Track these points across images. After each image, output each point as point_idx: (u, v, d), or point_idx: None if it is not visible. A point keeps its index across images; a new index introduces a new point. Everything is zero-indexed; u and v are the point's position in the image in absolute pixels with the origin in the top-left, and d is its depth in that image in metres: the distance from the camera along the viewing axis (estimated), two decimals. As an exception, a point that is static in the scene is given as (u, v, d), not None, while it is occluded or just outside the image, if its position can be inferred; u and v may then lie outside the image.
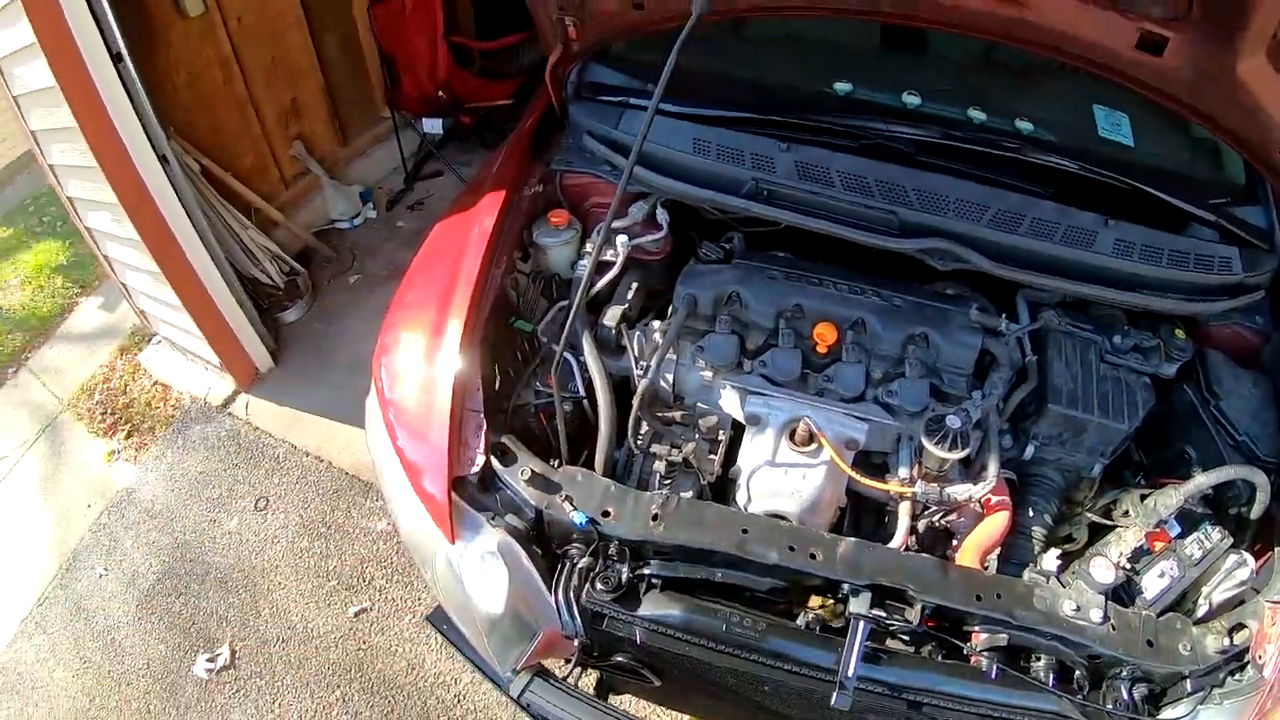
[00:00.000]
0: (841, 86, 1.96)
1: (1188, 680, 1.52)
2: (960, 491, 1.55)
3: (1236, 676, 1.51)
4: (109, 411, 3.69)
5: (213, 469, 3.26)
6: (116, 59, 2.65)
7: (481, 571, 1.53)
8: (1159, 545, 1.68)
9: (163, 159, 2.87)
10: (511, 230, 1.96)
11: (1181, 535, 1.67)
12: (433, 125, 4.36)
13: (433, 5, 4.20)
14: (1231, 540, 1.67)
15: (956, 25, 1.69)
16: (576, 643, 1.53)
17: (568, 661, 1.62)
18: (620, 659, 1.57)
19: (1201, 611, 1.64)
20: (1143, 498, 1.68)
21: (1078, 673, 1.52)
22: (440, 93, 4.32)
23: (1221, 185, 2.05)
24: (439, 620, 1.80)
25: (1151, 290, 1.77)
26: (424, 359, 1.67)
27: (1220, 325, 1.93)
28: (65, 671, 2.86)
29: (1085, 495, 1.79)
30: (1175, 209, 1.84)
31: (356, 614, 2.74)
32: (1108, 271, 1.74)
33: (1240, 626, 1.54)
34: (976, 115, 1.91)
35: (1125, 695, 1.49)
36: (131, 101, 2.73)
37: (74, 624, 2.97)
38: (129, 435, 3.52)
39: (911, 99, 1.92)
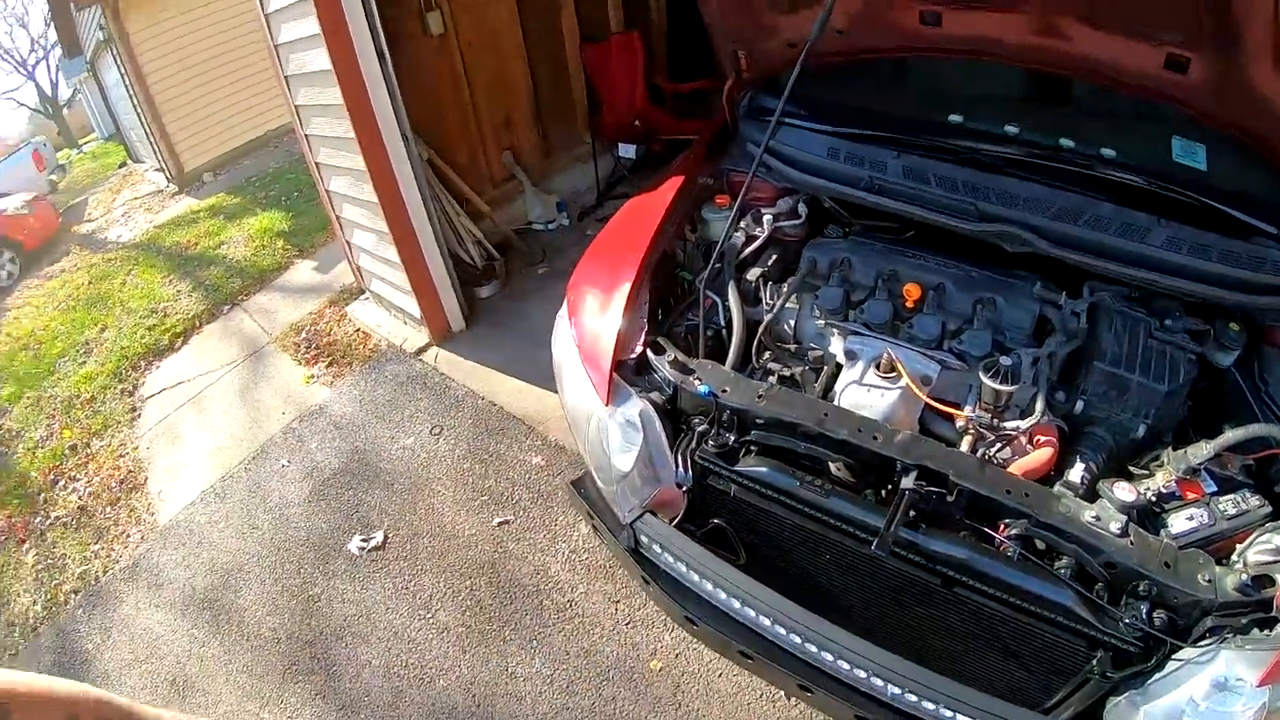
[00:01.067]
0: (955, 117, 2.45)
1: (1209, 618, 1.63)
2: (1011, 424, 1.94)
3: (1265, 631, 1.60)
4: (313, 346, 4.58)
5: (399, 399, 4.03)
6: (380, 56, 3.51)
7: (622, 434, 2.07)
8: (1191, 496, 1.85)
9: (405, 140, 3.71)
10: (685, 207, 2.59)
11: (1219, 494, 1.84)
12: (627, 150, 5.19)
13: (635, 50, 5.13)
14: (1270, 509, 1.80)
15: (1021, 59, 2.19)
16: (684, 496, 2.04)
17: (672, 521, 2.12)
18: (716, 522, 2.05)
19: (1235, 568, 1.73)
20: (1174, 448, 1.94)
21: (1098, 584, 1.71)
22: (636, 122, 5.14)
23: None
24: (579, 485, 2.36)
25: (1200, 282, 2.06)
26: (608, 281, 2.28)
27: None
28: (233, 533, 3.61)
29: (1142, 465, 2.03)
30: (1239, 223, 2.12)
31: (499, 524, 3.34)
32: (1156, 260, 2.08)
33: (1267, 578, 1.65)
34: (1066, 142, 2.33)
35: (1143, 615, 1.64)
36: (388, 92, 3.58)
37: (250, 499, 3.75)
38: (329, 365, 4.37)
39: (1010, 128, 2.37)
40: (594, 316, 2.24)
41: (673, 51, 5.68)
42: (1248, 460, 1.90)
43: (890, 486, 1.90)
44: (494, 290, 4.65)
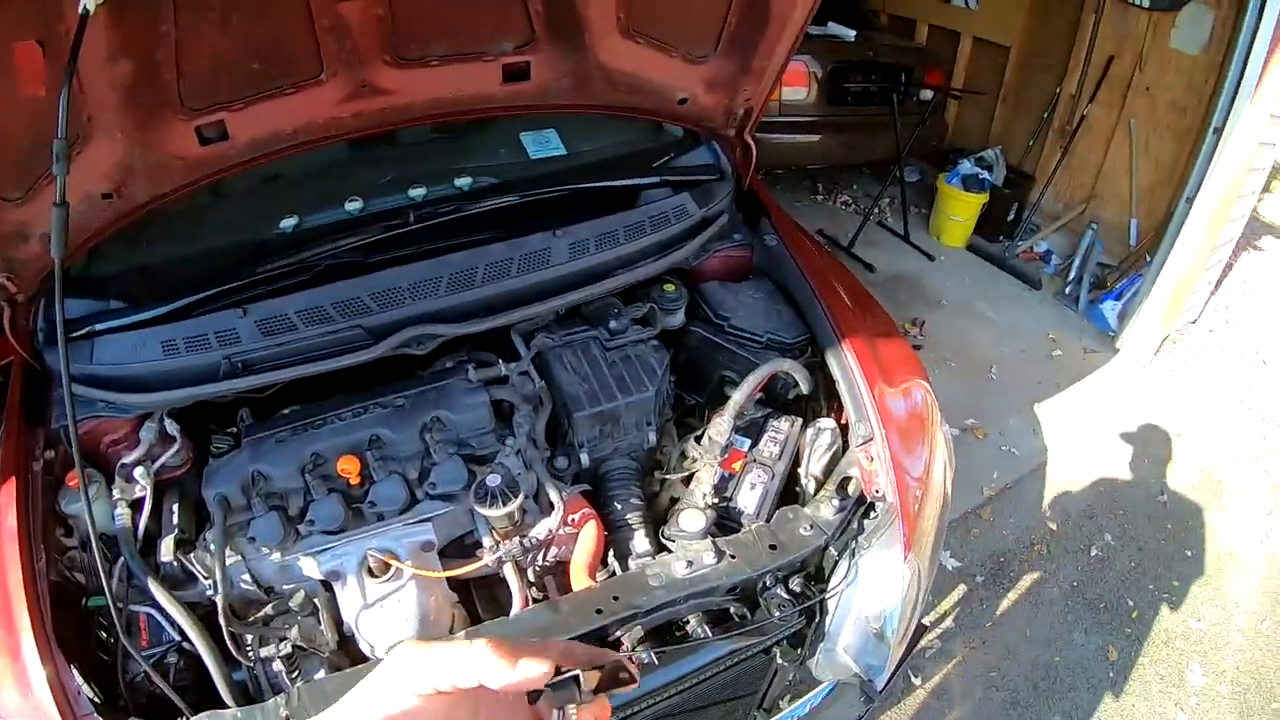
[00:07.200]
0: (287, 223, 2.11)
1: (830, 548, 1.77)
2: (540, 531, 1.71)
3: (871, 517, 1.80)
4: None
5: None
6: None
7: None
8: (739, 465, 1.92)
9: None
10: (39, 511, 1.83)
11: (755, 444, 1.94)
12: None
13: None
14: (800, 420, 1.98)
15: (343, 133, 1.97)
16: None
17: None
18: None
19: (812, 489, 1.92)
20: (697, 439, 1.95)
21: (731, 608, 1.72)
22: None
23: (662, 146, 2.47)
24: None
25: (623, 269, 2.08)
26: (15, 692, 1.52)
27: (705, 259, 2.30)
28: None
29: (668, 457, 2.04)
30: (624, 190, 2.21)
31: None
32: (573, 276, 2.02)
33: (846, 480, 1.87)
34: (417, 193, 2.15)
35: (785, 595, 1.71)
36: None
37: None
38: None
39: (353, 205, 2.12)
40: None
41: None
42: (756, 396, 1.99)
43: None
44: None
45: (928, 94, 5.60)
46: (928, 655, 3.13)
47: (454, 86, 1.97)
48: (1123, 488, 3.92)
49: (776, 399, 2.12)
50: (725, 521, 1.85)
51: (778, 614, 1.68)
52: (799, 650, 1.81)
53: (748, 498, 1.87)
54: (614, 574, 1.77)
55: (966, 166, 5.50)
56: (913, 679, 3.02)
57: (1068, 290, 5.19)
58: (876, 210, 5.77)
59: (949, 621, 3.27)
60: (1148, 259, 4.71)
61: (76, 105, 1.62)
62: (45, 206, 1.76)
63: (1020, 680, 3.06)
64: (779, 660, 1.78)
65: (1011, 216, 5.61)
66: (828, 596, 1.77)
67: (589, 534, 1.76)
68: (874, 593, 1.78)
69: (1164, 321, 4.61)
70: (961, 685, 3.04)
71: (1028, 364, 4.67)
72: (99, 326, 1.98)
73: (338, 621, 1.73)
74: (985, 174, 5.48)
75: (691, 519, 1.75)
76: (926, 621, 3.16)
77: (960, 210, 5.51)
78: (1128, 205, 5.18)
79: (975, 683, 3.04)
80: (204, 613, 1.68)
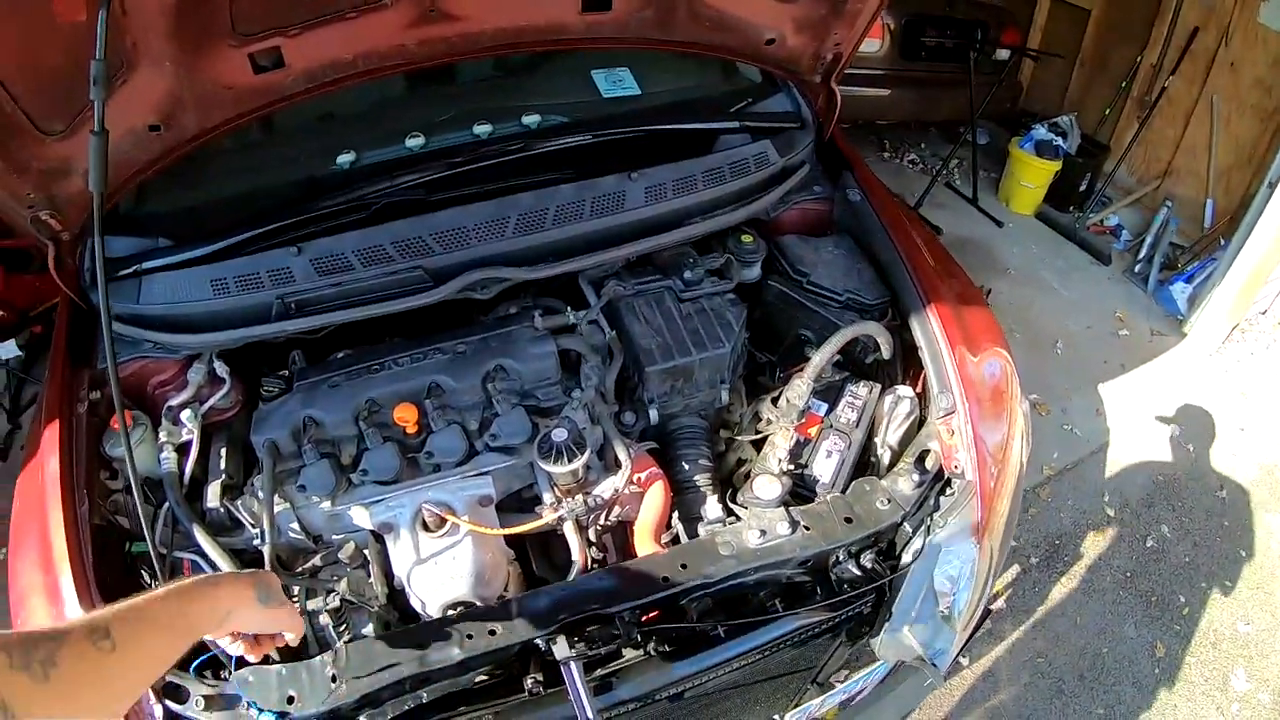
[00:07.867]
0: (344, 159, 1.99)
1: (905, 524, 1.66)
2: (605, 489, 1.61)
3: (948, 494, 1.69)
4: None
5: None
6: None
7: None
8: (815, 430, 1.81)
9: None
10: (84, 454, 1.76)
11: (831, 409, 1.83)
12: (6, 350, 3.87)
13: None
14: (879, 387, 1.86)
15: (405, 63, 1.84)
16: None
17: None
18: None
19: (887, 459, 1.82)
20: (774, 401, 1.83)
21: (806, 583, 1.63)
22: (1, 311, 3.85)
23: (740, 90, 2.32)
24: None
25: (700, 216, 1.95)
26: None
27: (784, 211, 2.16)
28: None
29: (737, 416, 1.95)
30: (699, 133, 2.07)
31: None
32: (649, 221, 1.89)
33: (924, 453, 1.74)
34: (482, 130, 2.02)
35: (856, 570, 1.61)
36: None
37: None
38: None
39: (414, 141, 2.00)
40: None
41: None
42: (835, 358, 1.85)
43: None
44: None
45: (1003, 54, 5.27)
46: (977, 635, 3.00)
47: (528, 14, 1.83)
48: (1182, 479, 3.74)
49: (855, 363, 2.00)
50: (798, 489, 1.74)
51: (849, 590, 1.58)
52: (866, 628, 1.72)
53: (823, 466, 1.75)
54: (678, 538, 1.69)
55: (1040, 131, 5.19)
56: (960, 659, 2.90)
57: (1137, 269, 4.93)
58: (945, 171, 5.50)
59: (1000, 602, 3.14)
60: (1222, 242, 4.47)
61: (119, 29, 1.50)
62: (89, 140, 1.67)
63: (1067, 668, 2.95)
64: (844, 637, 1.71)
65: (1084, 187, 5.33)
66: (900, 575, 1.66)
67: (656, 495, 1.66)
68: (944, 573, 1.67)
69: (1234, 310, 4.34)
70: (1009, 669, 2.93)
71: (1094, 342, 4.46)
72: (147, 265, 1.89)
73: (388, 575, 1.66)
74: (1059, 141, 5.17)
75: (767, 486, 1.63)
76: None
77: (1032, 177, 5.23)
78: (1205, 184, 4.89)
79: (1022, 668, 2.93)
80: (250, 561, 1.62)
